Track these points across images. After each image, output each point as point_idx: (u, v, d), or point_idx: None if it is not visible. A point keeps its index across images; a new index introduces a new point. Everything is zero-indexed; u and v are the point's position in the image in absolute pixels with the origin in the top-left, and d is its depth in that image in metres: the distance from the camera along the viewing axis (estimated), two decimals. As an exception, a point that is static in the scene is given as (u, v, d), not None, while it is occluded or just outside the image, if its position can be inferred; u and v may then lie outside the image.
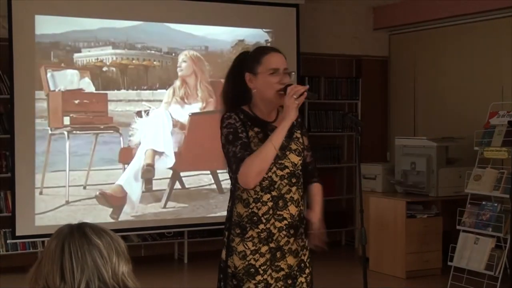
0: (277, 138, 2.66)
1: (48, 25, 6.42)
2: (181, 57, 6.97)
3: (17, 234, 6.29)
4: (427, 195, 6.70)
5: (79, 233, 1.50)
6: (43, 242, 6.45)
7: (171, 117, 6.87)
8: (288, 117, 2.66)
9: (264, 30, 7.34)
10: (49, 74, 6.44)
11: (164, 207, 6.85)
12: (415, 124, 8.01)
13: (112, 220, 6.56)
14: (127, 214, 6.67)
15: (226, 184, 6.88)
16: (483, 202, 5.89)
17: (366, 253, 3.81)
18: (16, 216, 6.27)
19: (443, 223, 6.55)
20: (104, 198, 6.57)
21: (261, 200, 2.73)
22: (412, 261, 6.41)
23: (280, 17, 7.36)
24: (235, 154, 2.67)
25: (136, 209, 6.71)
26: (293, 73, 2.84)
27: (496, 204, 5.78)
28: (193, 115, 6.93)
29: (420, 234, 6.45)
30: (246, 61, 2.82)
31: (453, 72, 7.50)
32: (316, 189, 2.95)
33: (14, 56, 6.24)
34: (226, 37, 7.19)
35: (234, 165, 2.67)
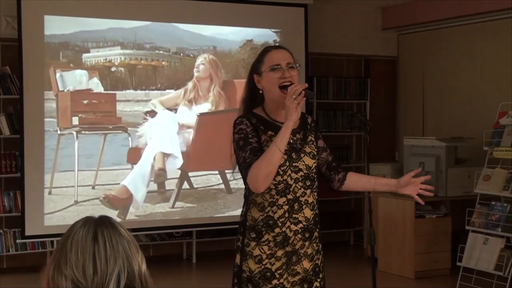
0: (281, 140, 2.64)
1: (57, 26, 6.44)
2: (199, 59, 6.99)
3: (27, 234, 6.31)
4: (436, 195, 6.68)
5: (109, 222, 1.47)
6: (52, 242, 6.47)
7: (176, 119, 6.87)
8: (290, 118, 2.64)
9: (272, 30, 7.34)
10: (58, 74, 6.47)
11: (173, 207, 6.86)
12: (424, 124, 7.98)
13: (119, 220, 6.58)
14: (132, 214, 6.69)
15: (234, 184, 6.88)
16: (493, 202, 5.87)
17: (375, 253, 3.81)
18: (25, 216, 6.29)
19: (452, 223, 6.53)
20: (108, 202, 6.59)
21: (276, 204, 2.73)
22: (421, 261, 6.40)
23: (288, 17, 7.36)
24: (244, 159, 2.69)
25: (141, 209, 6.71)
26: (299, 65, 2.82)
27: (505, 205, 5.76)
28: (201, 115, 6.93)
29: (429, 234, 6.43)
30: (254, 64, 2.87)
31: (462, 72, 7.48)
32: (356, 174, 3.02)
33: (23, 56, 6.27)
34: (235, 37, 7.19)
35: (243, 170, 2.69)
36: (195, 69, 6.97)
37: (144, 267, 1.46)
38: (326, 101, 7.86)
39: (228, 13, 7.08)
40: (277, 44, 7.05)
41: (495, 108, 6.14)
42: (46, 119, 6.38)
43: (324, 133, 7.69)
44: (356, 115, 7.68)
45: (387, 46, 8.31)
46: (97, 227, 1.44)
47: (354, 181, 2.97)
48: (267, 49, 2.85)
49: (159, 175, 6.75)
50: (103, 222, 1.46)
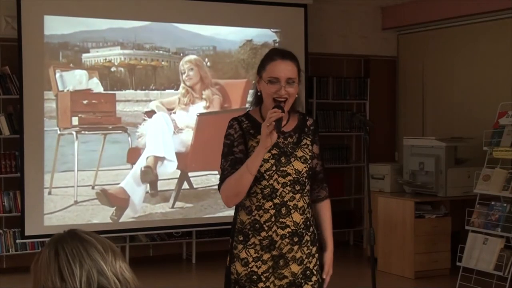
0: (252, 163, 2.63)
1: (57, 26, 6.44)
2: (186, 65, 6.92)
3: (26, 234, 6.31)
4: (435, 195, 6.68)
5: (70, 235, 1.49)
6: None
7: (174, 121, 6.85)
8: (262, 143, 2.60)
9: (272, 30, 7.34)
10: (57, 74, 6.47)
11: (172, 207, 6.86)
12: (423, 124, 7.99)
13: (112, 221, 6.57)
14: (130, 217, 6.67)
15: (234, 184, 6.86)
16: (492, 202, 5.87)
17: (375, 253, 3.80)
18: (25, 216, 6.29)
19: (451, 223, 6.53)
20: (105, 196, 6.56)
21: (263, 208, 2.72)
22: (420, 262, 6.40)
23: (288, 17, 7.36)
24: (223, 170, 2.73)
25: (140, 210, 6.70)
26: (300, 82, 2.77)
27: (505, 205, 5.76)
28: (201, 115, 6.93)
29: (429, 234, 6.43)
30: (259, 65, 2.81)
31: (462, 72, 7.48)
32: (327, 212, 2.90)
33: (23, 57, 6.27)
34: (234, 37, 7.19)
35: (220, 181, 2.74)
36: (185, 77, 6.90)
37: (118, 265, 1.47)
38: (326, 101, 7.86)
39: (227, 13, 7.08)
40: (277, 45, 7.05)
41: (495, 108, 6.14)
42: (46, 119, 6.38)
43: (324, 133, 7.69)
44: (356, 115, 7.64)
45: (387, 46, 8.31)
46: (57, 243, 1.47)
47: (318, 214, 2.89)
48: (272, 57, 2.75)
49: (145, 173, 6.71)
50: (63, 237, 1.49)
